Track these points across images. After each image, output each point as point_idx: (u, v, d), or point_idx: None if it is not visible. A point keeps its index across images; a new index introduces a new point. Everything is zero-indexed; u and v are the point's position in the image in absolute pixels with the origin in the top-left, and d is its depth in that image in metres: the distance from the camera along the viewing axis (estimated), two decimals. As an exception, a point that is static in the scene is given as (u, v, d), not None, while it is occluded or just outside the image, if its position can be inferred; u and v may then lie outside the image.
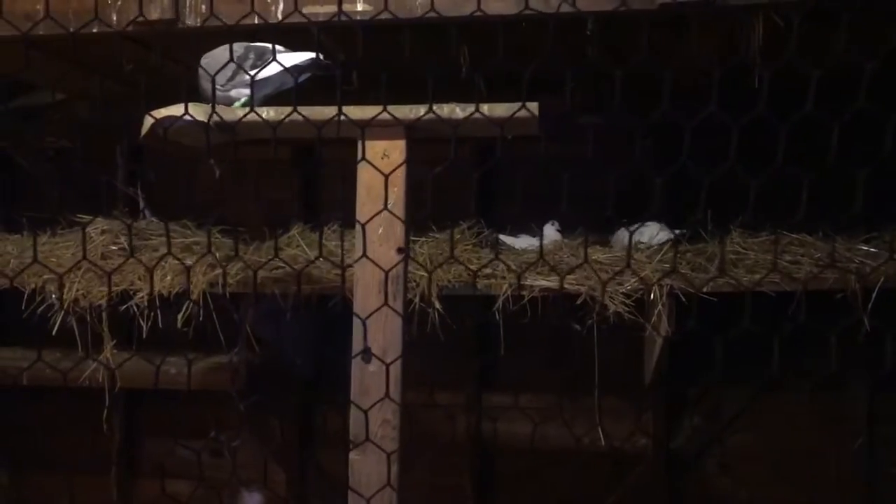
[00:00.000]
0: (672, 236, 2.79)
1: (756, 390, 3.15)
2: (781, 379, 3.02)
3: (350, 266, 2.75)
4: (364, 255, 1.64)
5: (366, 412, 1.59)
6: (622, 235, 2.89)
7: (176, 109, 1.71)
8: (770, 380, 3.00)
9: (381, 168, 1.74)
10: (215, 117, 1.71)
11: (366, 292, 1.73)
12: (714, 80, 2.46)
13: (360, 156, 1.76)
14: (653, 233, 2.84)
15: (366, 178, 1.78)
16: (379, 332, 1.75)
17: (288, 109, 1.70)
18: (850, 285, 2.52)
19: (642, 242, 2.80)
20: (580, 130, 3.11)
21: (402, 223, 1.79)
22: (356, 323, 1.64)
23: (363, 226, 1.68)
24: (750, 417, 3.20)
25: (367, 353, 1.63)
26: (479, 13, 1.89)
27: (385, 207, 1.64)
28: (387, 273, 1.65)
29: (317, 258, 2.67)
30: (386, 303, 1.63)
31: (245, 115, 1.72)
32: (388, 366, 1.58)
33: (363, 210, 1.77)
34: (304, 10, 2.03)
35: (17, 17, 2.23)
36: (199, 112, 1.73)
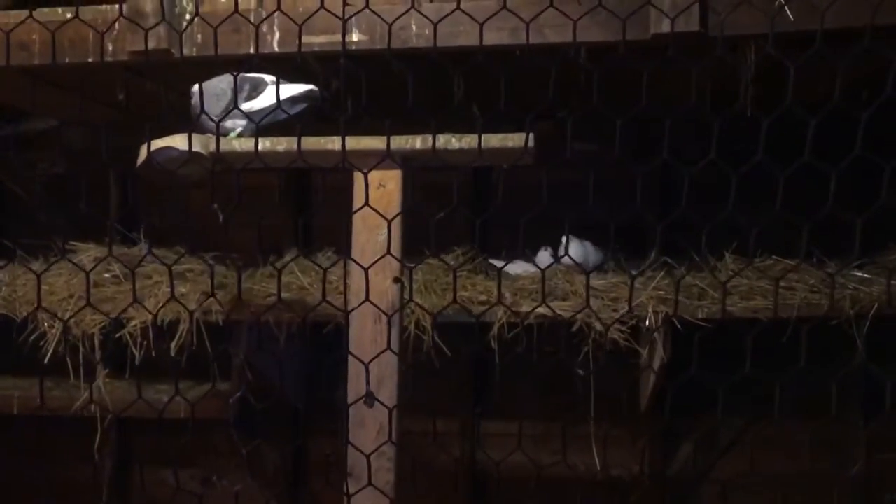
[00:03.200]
0: (601, 256, 2.83)
1: (752, 417, 3.14)
2: (778, 406, 3.01)
3: (343, 294, 2.77)
4: (367, 299, 1.63)
5: (368, 457, 1.56)
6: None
7: (171, 140, 1.71)
8: (766, 407, 2.98)
9: (377, 198, 1.75)
10: (211, 148, 1.72)
11: (362, 324, 1.72)
12: (707, 104, 2.49)
13: (355, 186, 1.76)
14: (579, 252, 2.86)
15: (361, 210, 1.78)
16: (374, 364, 1.74)
17: (283, 141, 1.70)
18: (844, 312, 2.52)
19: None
20: (575, 156, 3.13)
21: (399, 254, 1.78)
22: (354, 363, 1.63)
23: (362, 266, 1.68)
24: (746, 445, 3.19)
25: (370, 398, 1.63)
26: (473, 45, 1.91)
27: (388, 236, 1.64)
28: (390, 316, 1.65)
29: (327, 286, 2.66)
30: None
31: (240, 147, 1.73)
32: (391, 411, 1.58)
33: (359, 240, 1.77)
34: (300, 41, 2.04)
35: (13, 47, 2.23)
36: (195, 143, 1.73)
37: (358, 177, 1.77)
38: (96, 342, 2.77)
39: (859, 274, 2.70)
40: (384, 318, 1.72)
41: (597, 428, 3.03)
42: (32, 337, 2.78)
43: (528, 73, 2.38)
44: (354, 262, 1.66)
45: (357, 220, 1.78)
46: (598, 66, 2.33)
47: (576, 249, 2.86)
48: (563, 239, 2.88)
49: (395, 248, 1.76)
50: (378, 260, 1.73)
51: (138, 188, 3.53)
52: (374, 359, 1.58)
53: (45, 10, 2.25)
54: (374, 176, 1.81)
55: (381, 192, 1.78)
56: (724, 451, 3.22)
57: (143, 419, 3.00)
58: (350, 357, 1.64)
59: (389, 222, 1.58)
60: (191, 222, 3.42)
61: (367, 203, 1.70)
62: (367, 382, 1.61)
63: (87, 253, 2.97)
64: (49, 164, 3.58)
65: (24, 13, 2.23)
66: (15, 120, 3.56)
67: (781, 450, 3.15)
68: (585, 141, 3.14)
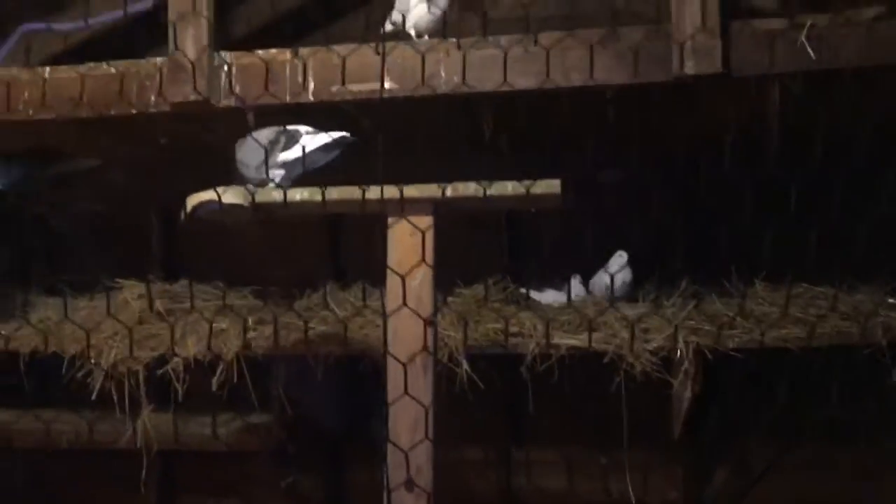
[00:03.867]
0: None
1: (786, 444, 3.14)
2: (812, 431, 3.01)
3: (378, 327, 2.84)
4: (385, 352, 1.69)
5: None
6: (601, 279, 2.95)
7: (213, 194, 1.79)
8: (801, 432, 2.99)
9: (410, 244, 1.81)
10: (251, 199, 1.80)
11: (396, 377, 1.77)
12: (731, 138, 2.52)
13: (389, 233, 1.82)
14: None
15: (395, 255, 1.84)
16: (408, 412, 1.80)
17: (318, 191, 1.78)
18: (876, 339, 2.52)
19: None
20: (602, 186, 3.18)
21: (431, 297, 1.84)
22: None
23: (385, 316, 1.73)
24: (781, 471, 3.18)
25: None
26: (504, 88, 1.97)
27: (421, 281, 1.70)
28: (405, 363, 1.70)
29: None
30: (406, 392, 1.68)
31: (279, 197, 1.80)
32: (407, 452, 1.63)
33: (392, 290, 1.82)
34: (334, 90, 2.13)
35: (62, 101, 2.34)
36: (235, 196, 1.81)
37: (392, 224, 1.83)
38: (141, 378, 2.86)
39: (892, 300, 2.70)
40: (418, 362, 1.77)
41: (631, 455, 3.05)
42: (80, 373, 2.88)
43: (556, 108, 2.44)
44: (384, 304, 1.72)
45: (391, 266, 1.84)
46: (627, 105, 2.40)
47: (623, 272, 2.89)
48: (613, 261, 2.91)
49: (427, 294, 1.81)
50: (409, 307, 1.79)
51: (177, 225, 3.63)
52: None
53: (91, 64, 2.36)
54: (406, 225, 1.87)
55: (413, 240, 1.84)
56: (759, 477, 3.21)
57: (188, 451, 3.08)
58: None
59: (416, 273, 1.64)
60: (228, 257, 3.52)
61: (399, 244, 1.77)
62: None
63: (132, 290, 3.07)
64: (91, 202, 3.69)
65: (73, 69, 2.37)
66: (58, 160, 3.70)
67: (816, 476, 3.14)
68: (612, 171, 3.19)
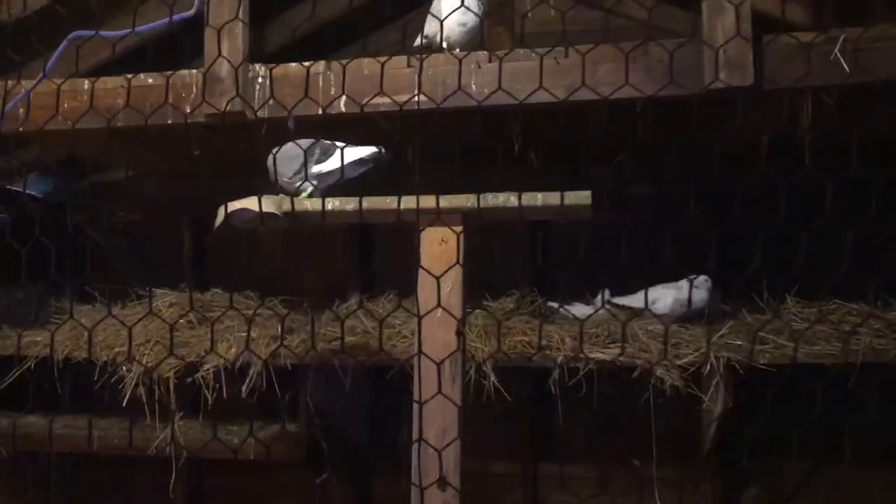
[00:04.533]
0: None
1: (818, 460, 3.09)
2: (845, 450, 2.96)
3: (406, 338, 2.85)
4: (420, 351, 1.70)
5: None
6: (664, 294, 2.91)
7: (247, 202, 1.82)
8: (832, 451, 2.94)
9: (439, 253, 1.82)
10: (284, 207, 1.82)
11: (426, 375, 1.78)
12: (763, 151, 2.50)
13: (421, 242, 1.84)
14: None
15: (427, 264, 1.86)
16: (438, 413, 1.81)
17: (351, 200, 1.79)
18: (911, 357, 2.49)
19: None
20: (633, 199, 3.17)
21: (460, 306, 1.85)
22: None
23: (420, 318, 1.74)
24: (813, 490, 3.14)
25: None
26: (535, 99, 1.98)
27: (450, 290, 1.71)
28: (439, 363, 1.71)
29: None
30: (440, 391, 1.69)
31: (311, 207, 1.82)
32: (440, 451, 1.64)
33: (423, 294, 1.84)
34: (367, 101, 2.15)
35: (101, 111, 2.39)
36: (269, 204, 1.84)
37: (423, 233, 1.85)
38: (171, 385, 2.89)
39: (926, 318, 2.66)
40: (447, 370, 1.78)
41: (660, 472, 3.02)
42: (112, 380, 2.92)
43: (586, 120, 2.45)
44: (416, 314, 1.73)
45: (421, 275, 1.85)
46: (657, 117, 2.39)
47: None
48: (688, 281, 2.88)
49: (457, 301, 1.83)
50: (440, 312, 1.80)
51: (209, 234, 3.68)
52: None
53: (130, 75, 2.40)
54: (437, 232, 1.88)
55: (444, 247, 1.85)
56: (789, 496, 3.17)
57: (216, 459, 3.10)
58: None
59: (446, 282, 1.65)
60: (258, 267, 3.56)
61: (430, 253, 1.78)
62: (440, 467, 1.68)
63: (164, 298, 3.11)
64: (126, 212, 3.76)
65: (115, 80, 2.42)
66: (94, 171, 3.77)
67: (849, 495, 3.09)
68: (642, 184, 3.19)
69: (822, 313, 2.71)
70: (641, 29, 2.99)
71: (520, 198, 1.78)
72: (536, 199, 1.81)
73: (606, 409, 2.93)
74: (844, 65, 2.01)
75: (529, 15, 3.19)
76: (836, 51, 2.01)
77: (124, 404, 2.88)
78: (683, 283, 2.85)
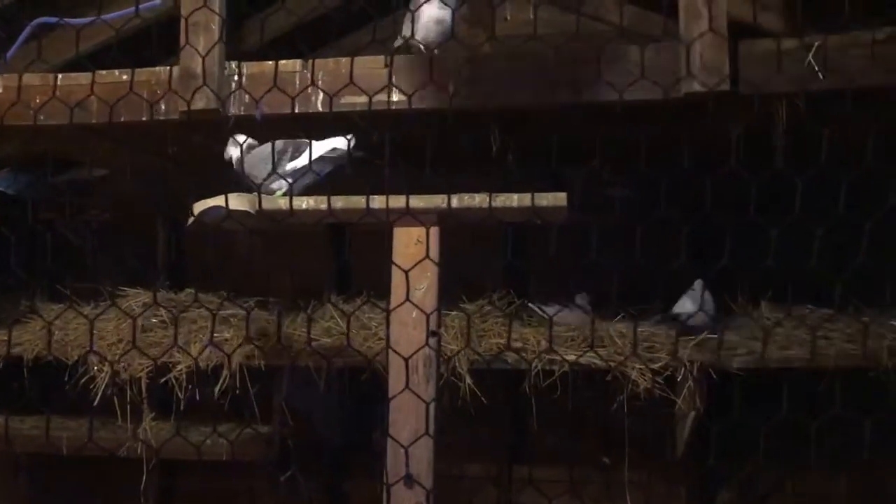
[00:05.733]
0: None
1: (791, 467, 3.11)
2: (816, 454, 2.98)
3: (382, 340, 2.83)
4: (388, 346, 1.70)
5: None
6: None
7: (221, 200, 1.80)
8: (806, 455, 2.96)
9: (415, 253, 1.81)
10: (258, 205, 1.80)
11: (398, 378, 1.77)
12: (737, 154, 2.52)
13: (394, 242, 1.83)
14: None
15: (399, 263, 1.84)
16: (411, 412, 1.80)
17: (325, 199, 1.78)
18: (882, 362, 2.51)
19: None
20: (609, 200, 3.17)
21: (435, 307, 1.84)
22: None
23: (389, 312, 1.74)
24: (786, 493, 3.16)
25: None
26: (511, 101, 1.98)
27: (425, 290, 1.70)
28: (407, 358, 1.70)
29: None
30: (408, 387, 1.68)
31: (285, 205, 1.81)
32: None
33: (397, 294, 1.82)
34: (343, 100, 2.14)
35: (73, 107, 2.35)
36: (242, 202, 1.82)
37: (398, 233, 1.84)
38: (143, 385, 2.86)
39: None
40: (421, 370, 1.77)
41: (632, 474, 3.03)
42: (83, 380, 2.88)
43: (564, 126, 2.45)
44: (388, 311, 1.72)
45: (395, 274, 1.84)
46: (634, 121, 2.40)
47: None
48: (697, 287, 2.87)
49: (432, 301, 1.82)
50: (414, 312, 1.79)
51: (184, 235, 3.65)
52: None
53: (104, 72, 2.37)
54: (412, 232, 1.87)
55: (419, 247, 1.84)
56: (763, 497, 3.19)
57: (187, 461, 3.07)
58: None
59: (420, 282, 1.64)
60: (234, 267, 3.52)
61: (404, 253, 1.77)
62: (407, 465, 1.67)
63: (136, 298, 3.07)
64: (99, 210, 3.71)
65: (84, 76, 2.38)
66: (67, 168, 3.72)
67: (821, 499, 3.11)
68: (619, 187, 3.19)
69: (794, 318, 2.73)
70: (618, 33, 3.00)
71: (491, 198, 1.77)
72: (512, 200, 1.80)
73: (580, 411, 2.94)
74: (818, 71, 2.03)
75: (508, 17, 3.20)
76: (810, 57, 2.03)
77: (95, 404, 2.84)
78: (697, 286, 2.86)
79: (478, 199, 1.81)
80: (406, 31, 2.26)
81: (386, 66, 2.15)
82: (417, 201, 1.80)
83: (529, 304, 3.04)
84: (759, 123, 2.30)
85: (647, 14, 2.86)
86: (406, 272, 1.71)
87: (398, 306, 1.74)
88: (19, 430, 3.08)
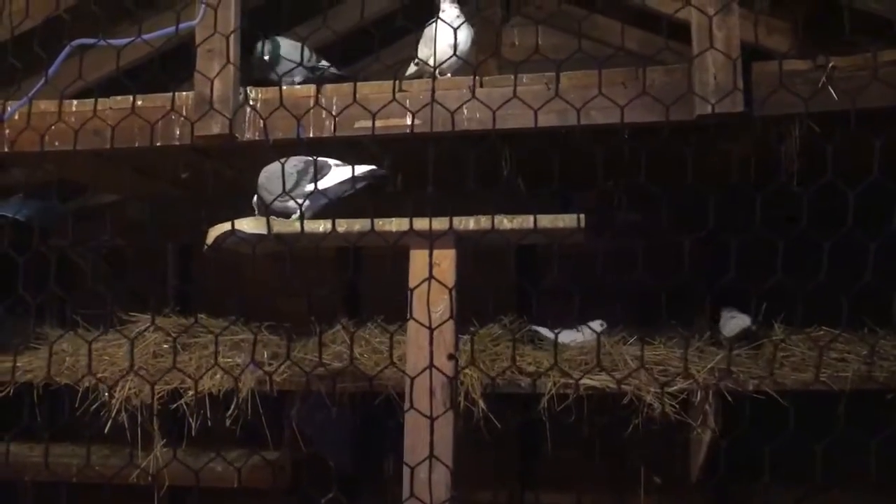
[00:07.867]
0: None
1: (807, 490, 3.07)
2: (834, 476, 2.94)
3: (394, 364, 2.82)
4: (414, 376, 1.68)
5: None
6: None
7: (237, 224, 1.80)
8: (822, 477, 2.92)
9: (432, 275, 1.80)
10: (274, 229, 1.80)
11: (414, 402, 1.76)
12: (751, 177, 2.52)
13: (411, 265, 1.82)
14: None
15: (415, 287, 1.84)
16: (427, 439, 1.78)
17: (343, 222, 1.78)
18: (898, 385, 2.48)
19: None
20: (621, 225, 3.17)
21: (453, 330, 1.83)
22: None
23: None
24: (803, 517, 3.12)
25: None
26: (524, 127, 1.98)
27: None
28: (423, 381, 1.69)
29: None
30: (428, 413, 1.67)
31: (302, 229, 1.81)
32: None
33: (415, 316, 1.81)
34: (357, 126, 2.15)
35: (86, 132, 2.36)
36: (258, 226, 1.82)
37: (414, 255, 1.83)
38: (154, 412, 2.84)
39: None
40: (438, 394, 1.76)
41: (647, 498, 3.00)
42: (94, 407, 2.87)
43: (573, 149, 2.45)
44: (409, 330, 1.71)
45: (414, 297, 1.83)
46: (643, 144, 2.41)
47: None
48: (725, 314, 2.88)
49: (449, 324, 1.81)
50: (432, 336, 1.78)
51: (193, 260, 3.65)
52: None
53: (119, 98, 2.39)
54: (429, 254, 1.87)
55: (436, 270, 1.84)
56: (779, 523, 3.15)
57: (199, 487, 3.04)
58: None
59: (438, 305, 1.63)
60: (244, 292, 3.52)
61: (421, 275, 1.76)
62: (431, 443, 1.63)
63: (147, 324, 3.07)
64: (109, 236, 3.72)
65: (100, 102, 2.40)
66: (77, 194, 3.74)
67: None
68: (630, 211, 3.19)
69: (809, 339, 2.71)
70: (629, 58, 3.01)
71: (507, 219, 1.77)
72: (529, 221, 1.80)
73: (595, 436, 2.91)
74: (833, 93, 2.03)
75: (516, 42, 3.23)
76: (824, 78, 2.04)
77: (105, 431, 2.82)
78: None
79: (495, 221, 1.81)
80: (421, 56, 2.28)
81: (402, 91, 2.16)
82: (434, 223, 1.79)
83: (538, 329, 3.03)
84: (769, 141, 2.31)
85: (659, 39, 2.88)
86: (423, 295, 1.71)
87: (415, 329, 1.73)
88: (28, 458, 3.06)
